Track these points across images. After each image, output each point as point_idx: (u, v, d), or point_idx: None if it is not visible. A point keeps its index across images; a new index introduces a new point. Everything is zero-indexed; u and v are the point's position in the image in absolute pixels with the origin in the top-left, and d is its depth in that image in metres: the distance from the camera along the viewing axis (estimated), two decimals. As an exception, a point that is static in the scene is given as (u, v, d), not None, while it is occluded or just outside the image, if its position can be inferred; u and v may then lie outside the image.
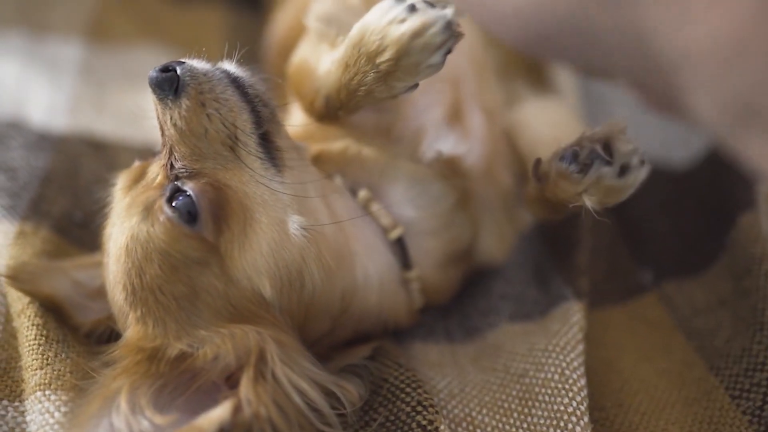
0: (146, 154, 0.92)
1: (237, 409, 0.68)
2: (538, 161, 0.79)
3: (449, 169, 0.88)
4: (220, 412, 0.67)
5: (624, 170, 0.73)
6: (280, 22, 1.24)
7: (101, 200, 0.89)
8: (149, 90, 0.77)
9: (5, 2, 1.37)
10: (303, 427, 0.71)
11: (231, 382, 0.73)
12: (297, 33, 0.98)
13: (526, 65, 1.06)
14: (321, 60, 0.82)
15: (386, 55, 0.72)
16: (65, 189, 1.05)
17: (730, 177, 1.00)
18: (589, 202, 0.74)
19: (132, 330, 0.75)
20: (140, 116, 1.20)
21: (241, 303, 0.75)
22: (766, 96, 0.46)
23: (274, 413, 0.69)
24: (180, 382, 0.72)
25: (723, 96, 0.48)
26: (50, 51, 1.30)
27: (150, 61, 1.31)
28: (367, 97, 0.77)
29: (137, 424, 0.67)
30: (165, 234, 0.74)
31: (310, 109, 0.85)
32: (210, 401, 0.70)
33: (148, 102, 0.80)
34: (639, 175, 0.73)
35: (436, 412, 0.77)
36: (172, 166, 0.77)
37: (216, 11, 1.49)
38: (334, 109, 0.81)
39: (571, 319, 0.86)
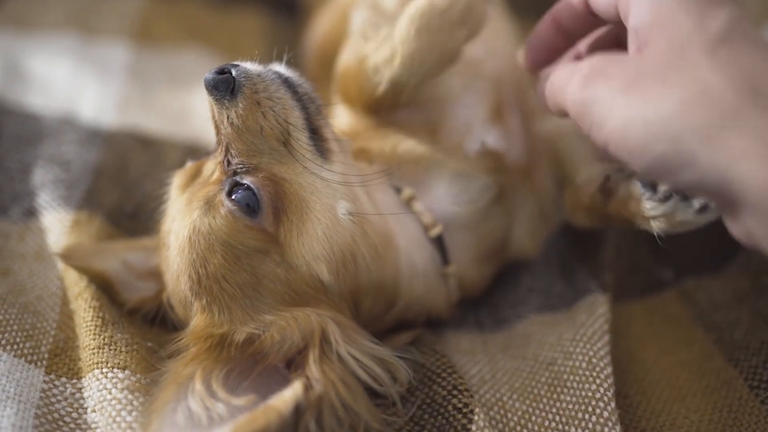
0: (196, 153, 0.94)
1: (307, 388, 0.69)
2: (608, 178, 0.80)
3: (491, 163, 0.89)
4: (293, 391, 0.68)
5: (702, 210, 0.72)
6: (318, 30, 1.25)
7: (150, 193, 0.91)
8: (205, 92, 0.78)
9: (58, 8, 1.39)
10: (367, 404, 0.72)
11: (292, 365, 0.74)
12: (335, 39, 0.99)
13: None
14: (376, 54, 0.84)
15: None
16: (115, 182, 1.07)
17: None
18: (656, 228, 0.75)
19: (198, 318, 0.76)
20: (184, 114, 1.22)
21: (301, 287, 0.76)
22: None
23: (342, 390, 0.70)
24: (245, 366, 0.73)
25: None
26: (100, 53, 1.32)
27: (193, 63, 1.34)
28: (439, 59, 0.82)
29: (213, 407, 0.68)
30: (227, 226, 0.75)
31: (367, 104, 0.87)
32: (272, 384, 0.71)
33: (198, 103, 0.81)
34: (712, 216, 0.72)
35: (471, 396, 0.78)
36: (228, 162, 0.79)
37: (254, 16, 1.50)
38: (397, 94, 0.84)
39: (597, 310, 0.86)
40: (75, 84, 1.24)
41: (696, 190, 0.65)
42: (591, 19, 0.77)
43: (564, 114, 0.71)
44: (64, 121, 1.17)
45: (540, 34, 0.82)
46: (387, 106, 0.87)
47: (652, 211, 0.74)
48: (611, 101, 0.63)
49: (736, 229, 0.62)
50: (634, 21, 0.67)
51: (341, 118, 0.94)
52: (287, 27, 1.48)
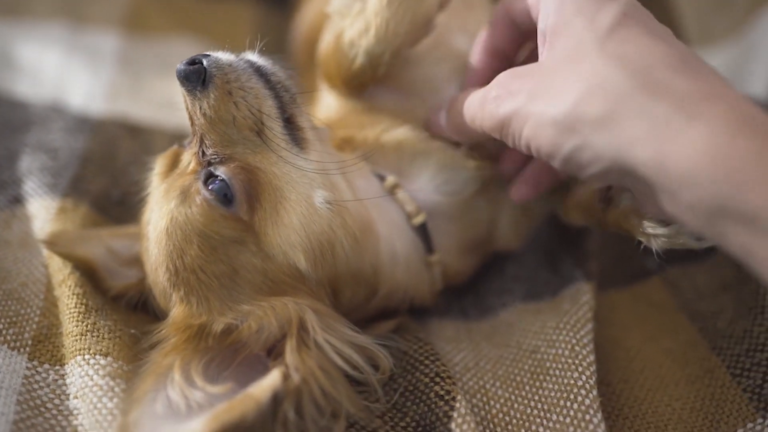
0: (181, 138, 0.93)
1: (286, 377, 0.68)
2: (609, 187, 0.79)
3: (476, 153, 0.88)
4: (272, 379, 0.67)
5: (701, 237, 0.70)
6: (304, 18, 1.25)
7: (138, 181, 0.90)
8: (177, 83, 0.78)
9: (49, -4, 1.38)
10: (348, 392, 0.72)
11: (273, 354, 0.73)
12: (321, 26, 0.98)
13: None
14: (351, 29, 0.83)
15: None
16: (103, 169, 1.06)
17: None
18: (655, 245, 0.74)
19: (177, 309, 0.76)
20: (173, 104, 1.21)
21: (278, 277, 0.75)
22: (737, 199, 0.54)
23: (320, 378, 0.69)
24: (226, 356, 0.72)
25: (698, 199, 0.56)
26: (89, 41, 1.30)
27: (182, 52, 1.31)
28: (412, 27, 0.82)
29: (192, 396, 0.67)
30: (202, 216, 0.74)
31: (346, 81, 0.86)
32: (254, 373, 0.70)
33: (177, 94, 0.81)
34: (710, 242, 0.70)
35: (453, 384, 0.77)
36: (203, 153, 0.78)
37: (245, 6, 1.49)
38: (375, 66, 0.83)
39: (581, 298, 0.85)
40: (64, 72, 1.23)
41: (609, 180, 0.67)
42: (520, 35, 0.81)
43: (480, 137, 0.77)
44: (52, 108, 1.16)
45: (480, 65, 0.85)
46: (366, 82, 0.86)
47: (653, 231, 0.73)
48: (523, 111, 0.67)
49: (652, 211, 0.69)
50: (541, 25, 0.71)
51: (326, 105, 0.93)
52: (277, 16, 1.46)
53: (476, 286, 0.95)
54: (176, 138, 1.11)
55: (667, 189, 0.58)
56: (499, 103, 0.70)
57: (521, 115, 0.67)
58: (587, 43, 0.64)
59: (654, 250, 0.74)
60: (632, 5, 0.66)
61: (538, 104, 0.66)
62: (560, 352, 0.80)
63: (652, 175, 0.59)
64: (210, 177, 0.76)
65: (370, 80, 0.85)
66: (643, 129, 0.59)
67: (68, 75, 1.23)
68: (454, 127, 0.82)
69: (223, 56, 0.78)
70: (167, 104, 1.21)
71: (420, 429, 0.76)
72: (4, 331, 0.81)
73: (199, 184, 0.75)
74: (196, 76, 0.76)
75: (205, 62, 0.76)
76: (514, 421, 0.77)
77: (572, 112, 0.62)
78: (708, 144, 0.56)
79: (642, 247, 0.77)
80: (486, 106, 0.72)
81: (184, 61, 0.77)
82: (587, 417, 0.74)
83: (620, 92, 0.60)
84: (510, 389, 0.80)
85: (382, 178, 0.86)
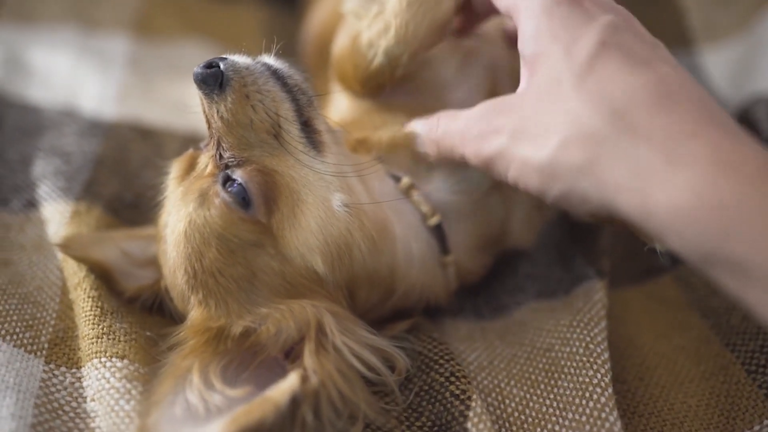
0: (193, 141, 0.92)
1: (304, 379, 0.67)
2: None
3: None
4: (290, 382, 0.67)
5: None
6: (315, 20, 1.24)
7: (150, 183, 0.89)
8: (194, 86, 0.77)
9: (59, 1, 1.36)
10: (365, 394, 0.71)
11: (290, 357, 0.72)
12: (332, 28, 0.97)
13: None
14: (369, 29, 0.82)
15: None
16: (116, 172, 1.05)
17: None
18: (659, 246, 0.73)
19: (195, 312, 0.75)
20: (184, 106, 1.20)
21: (296, 279, 0.74)
22: (724, 247, 0.53)
23: (338, 381, 0.69)
24: (244, 358, 0.72)
25: (686, 246, 0.56)
26: (100, 45, 1.30)
27: (192, 55, 1.32)
28: (430, 30, 0.80)
29: (211, 399, 0.67)
30: (221, 219, 0.73)
31: (363, 82, 0.85)
32: (272, 375, 0.70)
33: (192, 97, 0.80)
34: None
35: (468, 383, 0.76)
36: (220, 156, 0.77)
37: (253, 7, 1.48)
38: (393, 67, 0.82)
39: (594, 296, 0.84)
40: (75, 76, 1.23)
41: (605, 216, 0.66)
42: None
43: (462, 163, 0.75)
44: (64, 113, 1.15)
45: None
46: (383, 84, 0.85)
47: None
48: (507, 153, 0.66)
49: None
50: (521, 47, 0.68)
51: (339, 106, 0.92)
52: (287, 18, 1.46)
53: (489, 285, 0.94)
54: (187, 140, 1.11)
55: (656, 234, 0.57)
56: (482, 142, 0.69)
57: (505, 158, 0.66)
58: (565, 80, 0.62)
59: (657, 249, 0.74)
60: (611, 28, 0.63)
61: (520, 147, 0.65)
62: (574, 350, 0.79)
63: (640, 221, 0.58)
64: (228, 180, 0.75)
65: (388, 81, 0.84)
66: (625, 176, 0.57)
67: (79, 79, 1.22)
68: (437, 150, 0.80)
69: (240, 59, 0.77)
70: (178, 107, 1.20)
71: (436, 429, 0.75)
72: (20, 335, 0.80)
73: (218, 187, 0.75)
74: (213, 80, 0.75)
75: (222, 65, 0.75)
76: (530, 419, 0.76)
77: (554, 159, 0.61)
78: (690, 191, 0.54)
79: (647, 247, 0.76)
80: (468, 142, 0.71)
81: (201, 65, 0.76)
82: (603, 415, 0.73)
83: (600, 138, 0.59)
84: (525, 388, 0.79)
85: (397, 179, 0.85)
